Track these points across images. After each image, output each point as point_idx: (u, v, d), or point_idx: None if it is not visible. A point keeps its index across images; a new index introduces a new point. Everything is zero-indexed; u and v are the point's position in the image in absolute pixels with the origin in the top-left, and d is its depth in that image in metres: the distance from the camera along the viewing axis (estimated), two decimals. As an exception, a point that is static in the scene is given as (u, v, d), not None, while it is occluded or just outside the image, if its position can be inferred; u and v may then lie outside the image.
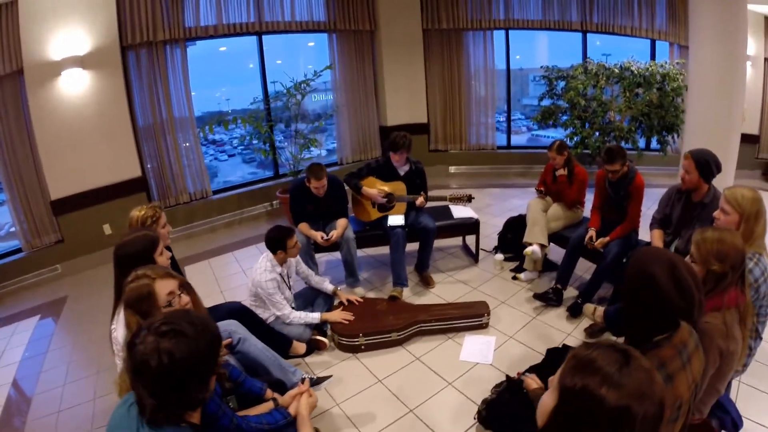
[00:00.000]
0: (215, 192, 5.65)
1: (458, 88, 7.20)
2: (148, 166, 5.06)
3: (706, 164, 2.63)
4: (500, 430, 1.87)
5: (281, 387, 2.24)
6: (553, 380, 0.94)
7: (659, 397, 0.84)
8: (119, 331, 1.76)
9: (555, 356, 2.04)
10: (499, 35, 7.12)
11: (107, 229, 4.79)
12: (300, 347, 2.95)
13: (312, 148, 5.59)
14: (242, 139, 5.68)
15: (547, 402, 0.93)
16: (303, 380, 2.14)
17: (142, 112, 4.90)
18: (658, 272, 1.30)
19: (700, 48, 4.43)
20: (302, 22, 5.72)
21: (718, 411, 1.82)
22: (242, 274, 4.36)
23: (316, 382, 2.48)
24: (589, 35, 7.04)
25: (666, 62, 6.19)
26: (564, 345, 2.21)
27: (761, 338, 2.01)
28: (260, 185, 6.03)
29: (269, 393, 1.99)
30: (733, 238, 1.68)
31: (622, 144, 5.99)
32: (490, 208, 5.74)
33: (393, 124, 6.92)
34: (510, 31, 7.12)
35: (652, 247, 1.51)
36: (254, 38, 5.65)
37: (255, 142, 5.47)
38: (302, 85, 5.25)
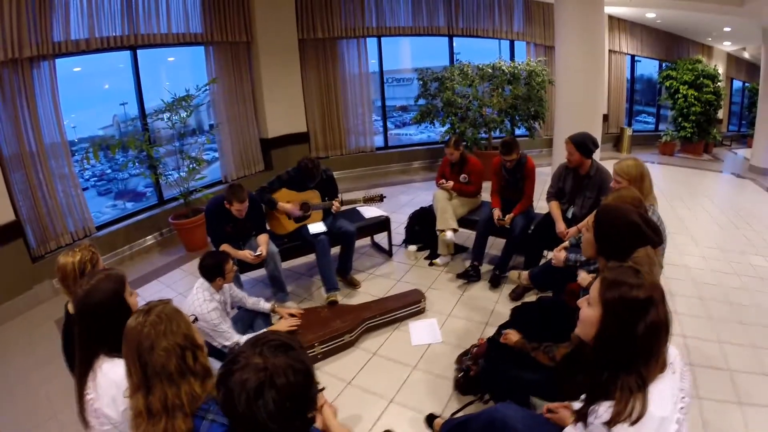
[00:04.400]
0: (99, 228, 4.96)
1: (335, 95, 7.41)
2: (21, 206, 4.21)
3: (583, 144, 3.27)
4: (498, 384, 2.14)
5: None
6: (589, 298, 1.26)
7: (660, 285, 1.22)
8: (105, 398, 1.47)
9: (518, 313, 2.42)
10: (371, 42, 7.50)
11: (-15, 289, 3.86)
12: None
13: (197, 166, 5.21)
14: (124, 166, 5.04)
15: (591, 315, 1.24)
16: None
17: (7, 142, 4.07)
18: (636, 219, 1.70)
19: (566, 45, 5.29)
20: (179, 34, 5.33)
21: None
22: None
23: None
24: (449, 39, 7.82)
25: (532, 60, 7.20)
26: (523, 303, 2.59)
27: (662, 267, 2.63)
28: (147, 214, 5.46)
29: None
30: (627, 191, 2.22)
31: (495, 133, 6.88)
32: (383, 206, 6.05)
33: (274, 136, 6.86)
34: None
35: (610, 204, 1.90)
36: (120, 54, 5.07)
37: (106, 171, 4.76)
38: (183, 102, 4.92)
